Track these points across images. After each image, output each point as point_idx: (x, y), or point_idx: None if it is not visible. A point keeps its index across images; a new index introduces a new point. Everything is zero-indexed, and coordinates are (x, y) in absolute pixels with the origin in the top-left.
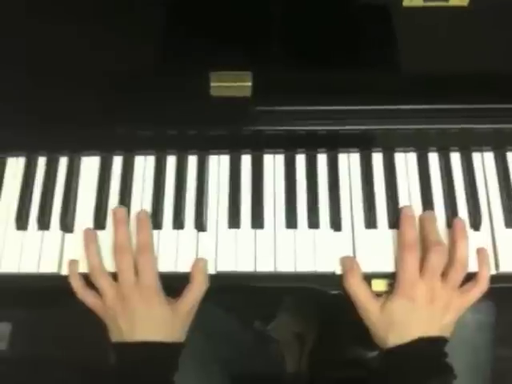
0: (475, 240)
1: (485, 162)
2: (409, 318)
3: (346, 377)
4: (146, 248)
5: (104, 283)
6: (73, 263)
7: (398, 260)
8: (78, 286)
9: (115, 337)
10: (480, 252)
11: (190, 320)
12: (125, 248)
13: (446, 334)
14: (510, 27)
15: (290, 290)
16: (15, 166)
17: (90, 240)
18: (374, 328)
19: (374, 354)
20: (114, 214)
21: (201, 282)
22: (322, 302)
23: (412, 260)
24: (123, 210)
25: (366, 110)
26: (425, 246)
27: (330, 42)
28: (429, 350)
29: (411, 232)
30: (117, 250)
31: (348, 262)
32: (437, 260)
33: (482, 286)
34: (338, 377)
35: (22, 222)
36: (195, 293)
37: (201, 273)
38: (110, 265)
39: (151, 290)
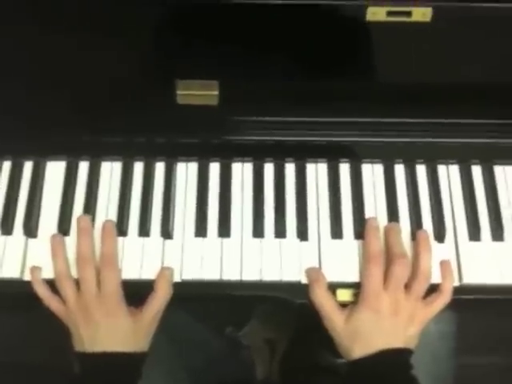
0: (439, 252)
1: (450, 175)
2: (373, 329)
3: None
4: (110, 259)
5: (68, 290)
6: (36, 269)
7: (363, 271)
8: (42, 291)
9: (77, 345)
10: (444, 264)
11: (154, 328)
12: (87, 258)
13: (411, 345)
14: (471, 42)
15: (256, 299)
16: None
17: (57, 246)
18: (339, 339)
19: (344, 361)
20: (78, 222)
21: (165, 290)
22: (290, 309)
23: (376, 272)
24: (87, 219)
25: (333, 122)
26: (389, 257)
27: (297, 54)
28: (394, 362)
29: (376, 243)
30: (79, 260)
31: (313, 273)
32: (400, 272)
33: (445, 298)
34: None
35: None
36: (159, 301)
37: (165, 281)
38: (73, 271)
39: (113, 301)
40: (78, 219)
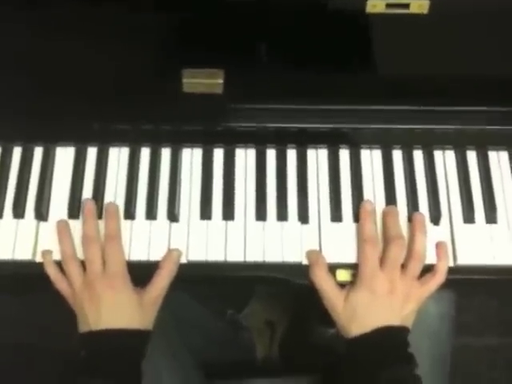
0: (435, 234)
1: (446, 160)
2: (370, 308)
3: (316, 363)
4: (113, 237)
5: (73, 270)
6: (47, 252)
7: (359, 253)
8: (53, 273)
9: (82, 327)
10: (439, 245)
11: (157, 307)
12: (92, 238)
13: (408, 323)
14: (467, 33)
15: (259, 279)
16: None
17: (63, 229)
18: (339, 319)
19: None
20: (84, 205)
21: (169, 269)
22: (291, 290)
23: (372, 252)
24: (91, 201)
25: (334, 109)
26: (386, 239)
27: (300, 44)
28: (390, 339)
29: (370, 226)
30: (85, 240)
31: (314, 255)
32: (397, 252)
33: (439, 278)
34: (308, 363)
35: None
36: (163, 279)
37: (171, 261)
38: (81, 253)
39: (118, 278)
40: (84, 202)
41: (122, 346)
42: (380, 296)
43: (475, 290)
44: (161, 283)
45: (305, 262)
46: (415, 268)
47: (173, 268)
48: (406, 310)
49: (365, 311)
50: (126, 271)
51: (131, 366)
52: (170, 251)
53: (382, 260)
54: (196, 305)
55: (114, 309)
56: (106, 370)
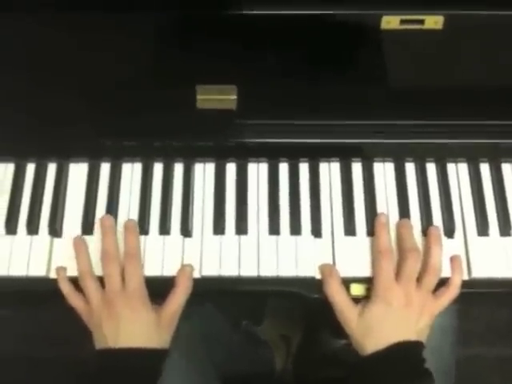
0: (449, 247)
1: (459, 173)
2: (385, 322)
3: (329, 377)
4: (134, 255)
5: (90, 287)
6: (61, 269)
7: (374, 266)
8: (67, 290)
9: (99, 344)
10: (454, 259)
11: (175, 325)
12: (112, 255)
13: (422, 338)
14: (481, 47)
15: (273, 294)
16: (4, 171)
17: (79, 246)
18: (353, 334)
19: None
20: (103, 221)
21: (185, 286)
22: (305, 304)
23: (387, 265)
24: (111, 218)
25: (347, 124)
26: (401, 252)
27: (314, 60)
28: (407, 356)
29: (385, 238)
30: (104, 256)
31: (327, 268)
32: (412, 265)
33: (453, 291)
34: (321, 377)
35: (11, 227)
36: (180, 296)
37: (186, 277)
38: (96, 270)
39: (137, 297)
40: (102, 218)
41: (139, 365)
42: (396, 309)
43: (485, 301)
44: (177, 300)
45: (318, 276)
46: (431, 282)
47: (188, 284)
48: (421, 323)
49: (380, 325)
50: (144, 290)
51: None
52: (182, 267)
53: (398, 273)
54: (218, 318)
55: (132, 328)
56: None
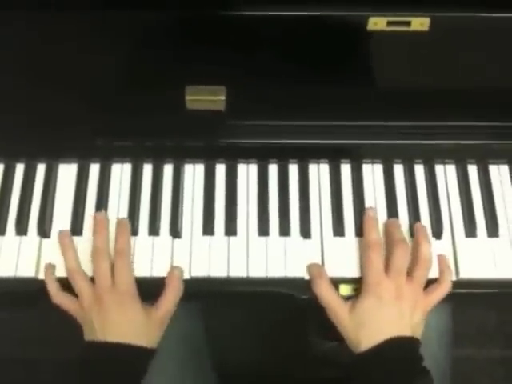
0: (437, 248)
1: (447, 174)
2: (377, 316)
3: (320, 377)
4: (124, 252)
5: (81, 283)
6: (49, 267)
7: (363, 260)
8: (53, 289)
9: (88, 337)
10: (441, 258)
11: (165, 326)
12: (103, 251)
13: (418, 335)
14: (467, 49)
15: (262, 295)
16: None
17: (66, 242)
18: (346, 332)
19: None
20: (95, 218)
21: (176, 289)
22: (294, 305)
23: (376, 258)
24: (104, 214)
25: (336, 125)
26: (389, 246)
27: (301, 61)
28: (404, 353)
29: (374, 232)
30: (95, 253)
31: (315, 268)
32: (401, 256)
33: (445, 288)
34: (312, 377)
35: None
36: (171, 300)
37: (176, 280)
38: (86, 270)
39: (127, 294)
40: (95, 215)
41: (125, 360)
42: (387, 302)
43: (475, 303)
44: (168, 303)
45: (307, 276)
46: (421, 274)
47: (178, 287)
48: (415, 318)
49: (373, 318)
50: (134, 287)
51: (131, 379)
52: (171, 269)
53: (387, 266)
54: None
55: (120, 325)
56: (106, 379)
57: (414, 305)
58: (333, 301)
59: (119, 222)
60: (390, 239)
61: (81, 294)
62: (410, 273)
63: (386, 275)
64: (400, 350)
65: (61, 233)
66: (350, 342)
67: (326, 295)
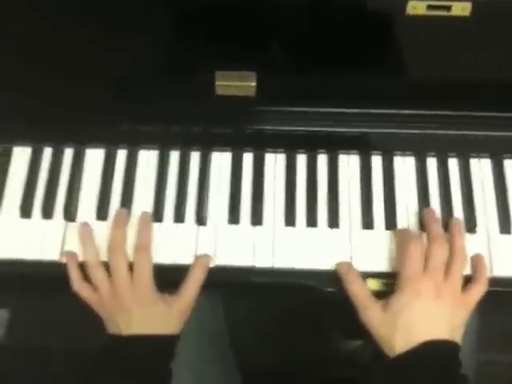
0: (471, 244)
1: (482, 169)
2: (415, 313)
3: (341, 378)
4: (145, 248)
5: (100, 278)
6: (72, 255)
7: (402, 256)
8: (75, 277)
9: (112, 329)
10: (476, 255)
11: (187, 314)
12: (119, 248)
13: (457, 337)
14: (510, 36)
15: (286, 286)
16: (21, 155)
17: (85, 234)
18: (377, 331)
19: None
20: (116, 214)
21: (198, 277)
22: (320, 298)
23: (417, 252)
24: (124, 212)
25: (367, 113)
26: (427, 240)
27: (334, 46)
28: (442, 358)
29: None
30: (111, 250)
31: (345, 266)
32: (439, 252)
33: (482, 285)
34: (333, 377)
35: (26, 210)
36: (191, 288)
37: (199, 267)
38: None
39: (146, 292)
40: (117, 211)
41: (152, 348)
42: (425, 300)
43: (504, 303)
44: (189, 292)
45: (334, 269)
46: (458, 269)
47: (200, 276)
48: (455, 320)
49: (409, 317)
50: (152, 282)
51: (159, 367)
52: (198, 257)
53: (425, 262)
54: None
55: (142, 319)
56: (135, 370)
57: (454, 304)
58: (365, 299)
59: (142, 216)
60: (428, 234)
61: (99, 287)
62: (446, 270)
63: (423, 272)
64: (439, 355)
65: (81, 225)
66: (383, 343)
67: (358, 292)
